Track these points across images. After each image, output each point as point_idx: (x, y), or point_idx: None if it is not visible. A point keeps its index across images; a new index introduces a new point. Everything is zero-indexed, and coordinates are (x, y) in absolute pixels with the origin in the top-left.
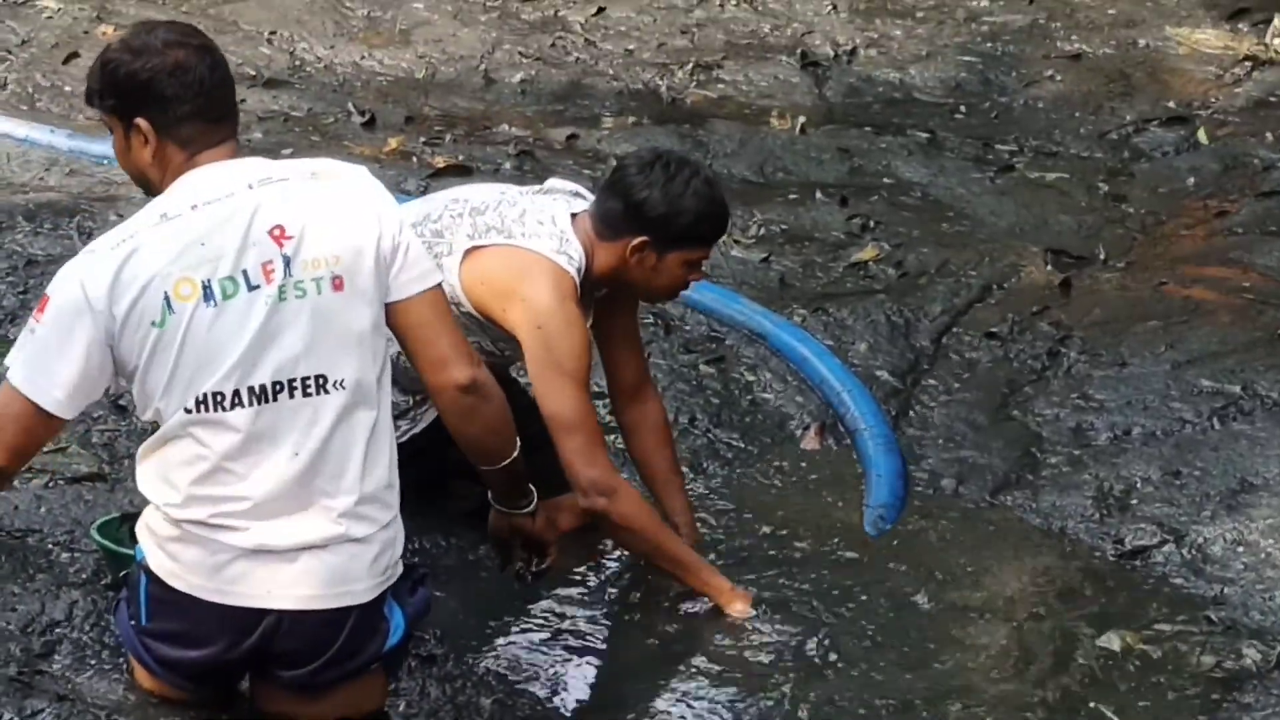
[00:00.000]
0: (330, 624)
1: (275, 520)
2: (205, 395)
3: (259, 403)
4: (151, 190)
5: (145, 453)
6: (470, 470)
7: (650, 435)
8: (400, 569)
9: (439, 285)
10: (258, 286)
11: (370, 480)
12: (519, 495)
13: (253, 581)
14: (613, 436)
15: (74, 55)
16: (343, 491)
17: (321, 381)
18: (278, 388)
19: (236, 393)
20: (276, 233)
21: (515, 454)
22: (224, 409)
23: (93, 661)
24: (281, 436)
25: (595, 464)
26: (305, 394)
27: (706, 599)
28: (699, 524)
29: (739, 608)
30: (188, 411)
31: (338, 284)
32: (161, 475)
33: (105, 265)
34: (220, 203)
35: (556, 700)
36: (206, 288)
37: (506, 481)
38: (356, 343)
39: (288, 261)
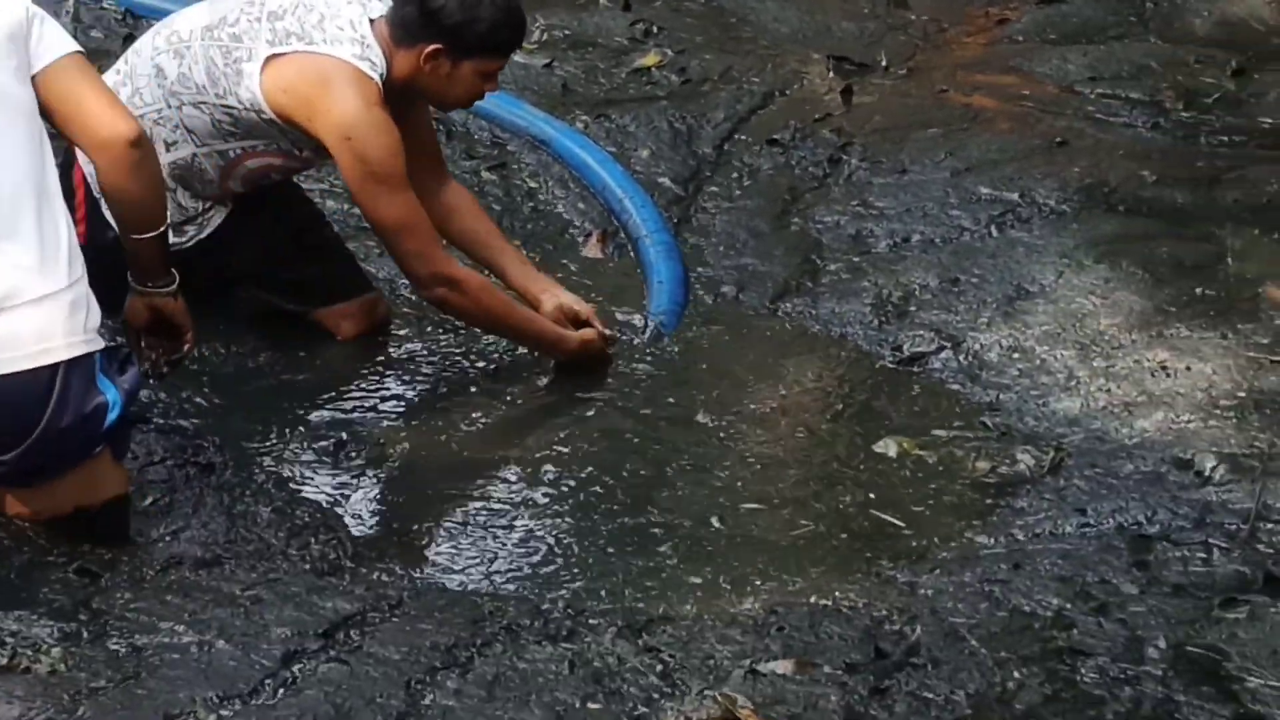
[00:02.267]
0: (37, 389)
1: None
2: None
3: None
4: None
5: None
6: (253, 276)
7: (467, 211)
8: (102, 340)
9: (79, 52)
10: None
11: (50, 245)
12: (164, 272)
13: None
14: None
15: None
16: (19, 250)
17: None
18: None
19: None
20: None
21: (164, 225)
22: None
23: None
24: None
25: (432, 260)
26: None
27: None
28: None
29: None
30: None
31: None
32: None
33: None
34: None
35: (336, 509)
36: None
37: (155, 254)
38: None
39: None
